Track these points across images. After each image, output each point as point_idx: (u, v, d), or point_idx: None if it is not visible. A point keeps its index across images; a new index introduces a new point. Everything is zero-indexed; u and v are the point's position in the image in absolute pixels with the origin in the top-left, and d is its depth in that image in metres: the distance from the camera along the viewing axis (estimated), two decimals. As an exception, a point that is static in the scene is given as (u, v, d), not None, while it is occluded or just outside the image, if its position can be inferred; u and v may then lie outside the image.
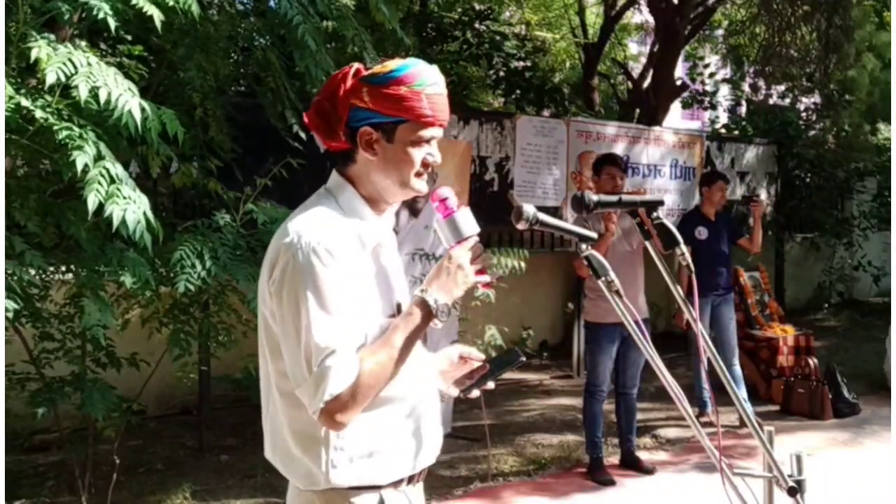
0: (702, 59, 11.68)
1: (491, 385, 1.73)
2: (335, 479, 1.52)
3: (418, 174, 1.59)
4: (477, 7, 9.61)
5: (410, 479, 1.63)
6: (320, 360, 1.43)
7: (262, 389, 1.64)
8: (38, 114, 2.59)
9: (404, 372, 1.56)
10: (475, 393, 1.74)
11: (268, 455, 1.65)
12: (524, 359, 1.73)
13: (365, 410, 1.50)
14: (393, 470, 1.58)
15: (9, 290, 2.63)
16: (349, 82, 1.55)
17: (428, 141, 1.58)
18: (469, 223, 1.60)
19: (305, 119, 1.60)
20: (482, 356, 1.76)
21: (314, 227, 1.50)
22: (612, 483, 4.43)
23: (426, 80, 1.55)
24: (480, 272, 1.60)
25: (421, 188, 1.61)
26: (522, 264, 3.97)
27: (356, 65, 1.58)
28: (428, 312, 1.53)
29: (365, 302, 1.53)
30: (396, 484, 1.59)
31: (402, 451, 1.60)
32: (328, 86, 1.58)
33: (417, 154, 1.57)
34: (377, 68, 1.56)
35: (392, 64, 1.55)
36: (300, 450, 1.55)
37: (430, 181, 1.66)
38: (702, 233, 5.49)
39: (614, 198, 1.77)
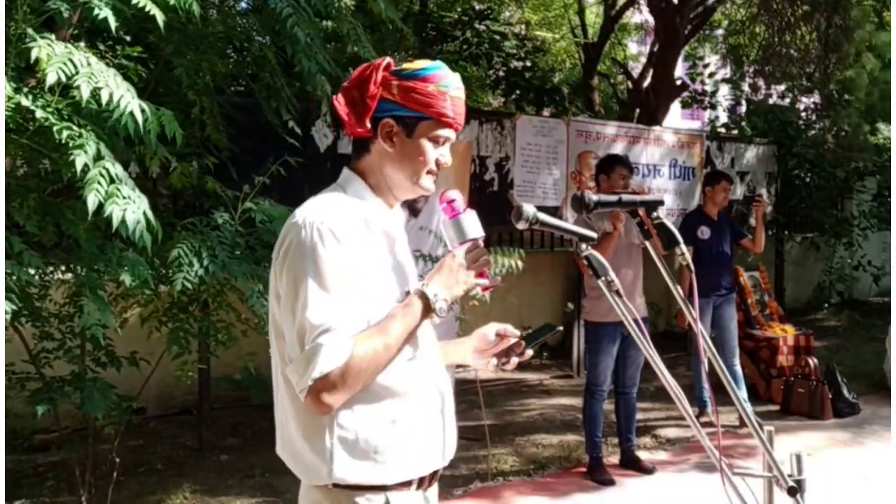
0: (702, 59, 11.68)
1: (529, 352, 1.78)
2: (338, 472, 1.51)
3: (430, 172, 1.64)
4: (477, 7, 9.62)
5: (420, 483, 1.60)
6: (313, 338, 1.44)
7: (273, 380, 1.65)
8: (39, 113, 2.59)
9: (412, 366, 1.57)
10: (514, 361, 1.78)
11: (278, 451, 1.64)
12: (560, 328, 1.83)
13: (368, 402, 1.51)
14: (399, 470, 1.56)
15: (7, 290, 2.62)
16: (380, 74, 1.59)
17: (443, 142, 1.64)
18: (474, 226, 1.64)
19: (335, 103, 1.62)
20: (517, 332, 1.80)
21: (320, 209, 1.54)
22: (612, 483, 4.43)
23: (452, 83, 1.62)
24: (481, 275, 1.62)
25: (429, 187, 1.66)
26: (520, 264, 3.95)
27: (387, 58, 1.63)
28: (426, 305, 1.55)
29: (373, 286, 1.54)
30: (404, 486, 1.57)
31: (409, 451, 1.57)
32: (358, 75, 1.62)
33: (432, 152, 1.63)
34: (407, 65, 1.61)
35: (422, 63, 1.62)
36: (304, 440, 1.54)
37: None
38: (704, 232, 5.48)
39: (614, 197, 1.76)
